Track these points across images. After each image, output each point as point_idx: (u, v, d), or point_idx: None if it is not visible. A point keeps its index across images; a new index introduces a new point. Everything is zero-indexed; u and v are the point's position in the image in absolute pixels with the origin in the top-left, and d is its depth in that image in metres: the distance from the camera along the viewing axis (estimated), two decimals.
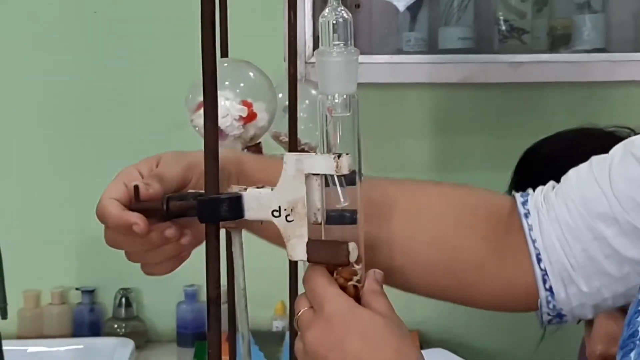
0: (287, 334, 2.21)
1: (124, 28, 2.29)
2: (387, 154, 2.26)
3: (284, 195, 0.85)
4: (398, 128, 2.28)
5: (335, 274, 0.86)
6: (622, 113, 2.25)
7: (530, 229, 0.98)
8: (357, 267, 0.86)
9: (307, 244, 0.85)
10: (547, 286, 0.98)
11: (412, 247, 1.00)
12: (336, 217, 0.86)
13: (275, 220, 0.85)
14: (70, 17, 2.28)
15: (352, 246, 0.84)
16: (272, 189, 0.86)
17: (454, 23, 2.20)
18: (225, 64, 1.21)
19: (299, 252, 0.85)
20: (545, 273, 0.98)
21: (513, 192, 1.01)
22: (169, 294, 2.31)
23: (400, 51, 2.24)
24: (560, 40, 2.24)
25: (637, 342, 0.89)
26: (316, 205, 0.85)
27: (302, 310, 0.88)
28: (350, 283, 0.86)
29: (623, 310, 0.97)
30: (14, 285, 2.00)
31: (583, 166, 1.00)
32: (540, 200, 0.99)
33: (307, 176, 0.84)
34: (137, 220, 0.91)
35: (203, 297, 2.28)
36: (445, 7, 2.22)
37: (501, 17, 2.22)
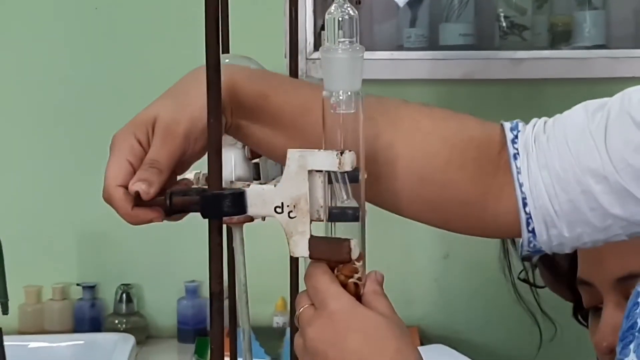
0: (288, 329, 2.21)
1: (125, 23, 2.29)
2: None
3: (286, 191, 0.85)
4: None
5: (336, 271, 0.86)
6: None
7: (519, 172, 0.96)
8: (358, 264, 0.86)
9: (309, 240, 0.85)
10: (530, 228, 0.98)
11: (401, 175, 0.98)
12: (339, 214, 0.86)
13: (277, 216, 0.85)
14: (71, 13, 2.28)
15: (354, 243, 0.84)
16: (275, 185, 0.86)
17: (454, 19, 2.21)
18: (227, 60, 1.21)
19: (301, 249, 0.85)
20: (529, 216, 0.97)
21: (502, 123, 0.99)
22: (169, 289, 2.31)
23: (401, 47, 2.24)
24: (560, 37, 2.25)
25: (637, 334, 0.89)
26: (319, 202, 0.85)
27: (303, 307, 0.88)
28: (351, 280, 0.86)
29: None
30: (15, 281, 2.01)
31: (578, 111, 0.99)
32: (531, 142, 0.97)
33: (310, 173, 0.85)
34: (152, 216, 0.91)
35: (204, 292, 2.28)
36: (446, 4, 2.22)
37: (502, 14, 2.22)
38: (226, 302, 1.17)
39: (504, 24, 2.22)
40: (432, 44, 2.23)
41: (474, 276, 2.29)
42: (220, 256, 0.87)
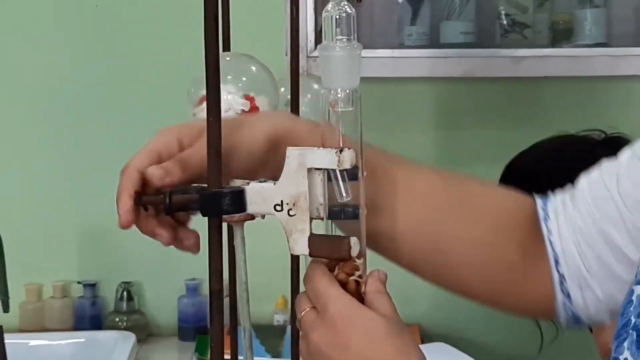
0: (289, 327, 2.22)
1: (126, 22, 2.29)
2: (388, 148, 2.26)
3: (286, 189, 0.85)
4: (399, 122, 2.28)
5: (337, 269, 0.86)
6: (623, 108, 2.26)
7: (550, 234, 0.99)
8: (358, 261, 0.86)
9: (309, 238, 0.85)
10: (564, 289, 1.00)
11: (452, 246, 1.01)
12: (338, 212, 0.86)
13: (277, 214, 0.85)
14: (71, 11, 2.28)
15: (353, 241, 0.84)
16: (274, 183, 0.86)
17: (455, 17, 2.21)
18: (228, 58, 1.21)
19: (301, 247, 0.85)
20: (562, 277, 0.99)
21: (534, 195, 1.02)
22: (170, 287, 2.32)
23: (402, 45, 2.24)
24: (561, 35, 2.25)
25: (630, 331, 0.90)
26: (319, 200, 0.85)
27: (304, 311, 0.89)
28: (352, 278, 0.86)
29: None
30: (16, 279, 2.01)
31: (594, 171, 1.01)
32: (560, 205, 1.00)
33: (310, 170, 0.85)
34: (161, 232, 0.91)
35: (204, 291, 2.28)
36: (447, 1, 2.22)
37: (503, 12, 2.22)
38: (227, 300, 1.17)
39: (505, 22, 2.22)
40: (433, 42, 2.23)
41: None
42: (220, 254, 0.86)
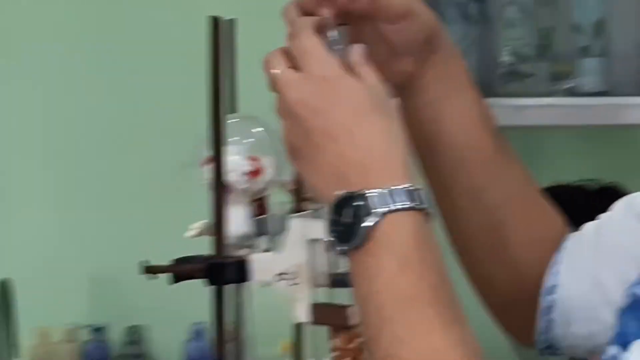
0: None
1: (139, 82, 2.32)
2: None
3: (288, 259, 0.87)
4: None
5: (338, 335, 0.88)
6: (624, 156, 2.27)
7: (556, 262, 0.99)
8: (359, 329, 0.87)
9: (311, 306, 0.87)
10: (548, 318, 0.99)
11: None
12: (340, 281, 0.88)
13: (279, 284, 0.88)
14: (86, 65, 2.32)
15: (353, 310, 0.86)
16: (276, 253, 0.88)
17: None
18: (234, 120, 1.24)
19: (303, 314, 0.87)
20: (552, 304, 0.99)
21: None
22: (177, 330, 2.32)
23: None
24: (562, 84, 2.26)
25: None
26: (320, 269, 0.87)
27: (282, 69, 0.83)
28: (351, 345, 0.88)
29: None
30: (26, 323, 2.04)
31: (592, 223, 1.02)
32: (570, 243, 1.00)
33: (311, 241, 0.87)
34: None
35: (211, 334, 2.29)
36: None
37: (504, 61, 2.24)
38: (233, 345, 1.19)
39: (507, 71, 2.24)
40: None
41: (467, 303, 2.29)
42: (222, 319, 0.89)
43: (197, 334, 2.30)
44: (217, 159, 0.85)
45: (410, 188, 0.79)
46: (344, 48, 0.84)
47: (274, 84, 0.83)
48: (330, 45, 0.84)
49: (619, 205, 1.01)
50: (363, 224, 0.77)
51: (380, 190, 0.78)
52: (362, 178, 0.79)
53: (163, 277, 2.19)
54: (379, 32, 0.89)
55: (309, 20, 0.85)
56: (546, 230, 1.02)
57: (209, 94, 0.85)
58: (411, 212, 0.78)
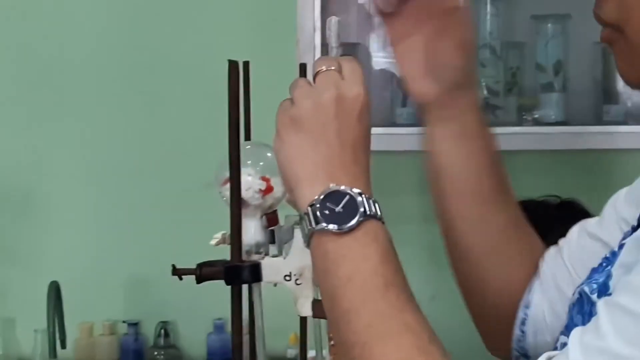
0: None
1: (167, 109, 2.34)
2: (384, 208, 2.28)
3: (294, 262, 0.89)
4: (392, 187, 2.30)
5: None
6: (581, 177, 2.28)
7: (537, 277, 1.01)
8: None
9: (313, 302, 0.89)
10: (523, 330, 1.01)
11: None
12: None
13: (286, 283, 0.89)
14: (120, 94, 2.33)
15: None
16: (285, 257, 0.90)
17: None
18: (248, 146, 1.25)
19: (306, 309, 0.89)
20: (526, 317, 1.00)
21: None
22: (200, 325, 2.33)
23: (394, 124, 2.27)
24: (527, 115, 2.27)
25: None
26: None
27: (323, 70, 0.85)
28: None
29: None
30: (71, 319, 2.05)
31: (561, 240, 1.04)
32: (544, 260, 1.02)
33: None
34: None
35: (230, 328, 2.29)
36: None
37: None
38: (247, 337, 1.21)
39: (480, 104, 2.25)
40: (421, 121, 2.25)
41: (461, 317, 2.30)
42: (240, 315, 0.91)
43: (218, 329, 2.31)
44: (235, 178, 0.87)
45: (379, 204, 0.83)
46: None
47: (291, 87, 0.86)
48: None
49: (574, 229, 1.03)
50: (357, 217, 0.80)
51: (368, 196, 0.82)
52: (347, 179, 0.82)
53: (189, 278, 2.20)
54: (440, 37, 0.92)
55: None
56: (531, 254, 1.04)
57: (228, 124, 0.87)
58: (381, 222, 0.82)
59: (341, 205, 0.80)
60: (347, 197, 0.81)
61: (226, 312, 2.29)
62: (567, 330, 0.87)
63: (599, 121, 2.25)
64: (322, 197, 0.81)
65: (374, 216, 0.81)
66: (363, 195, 0.81)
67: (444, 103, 0.96)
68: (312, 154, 0.82)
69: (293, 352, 2.29)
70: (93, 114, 2.34)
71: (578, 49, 2.26)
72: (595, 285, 0.86)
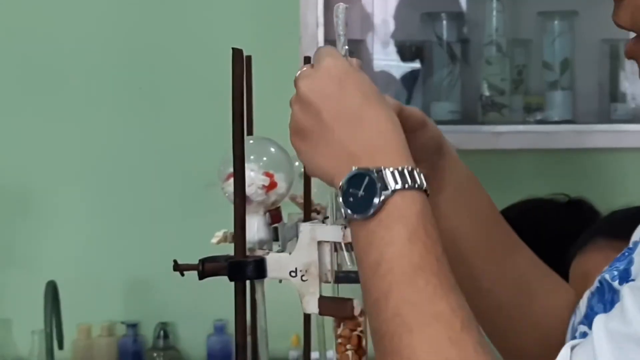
0: None
1: (168, 105, 2.32)
2: None
3: (299, 258, 0.87)
4: None
5: (342, 325, 0.88)
6: (587, 176, 2.27)
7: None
8: (360, 319, 0.87)
9: (319, 300, 0.87)
10: None
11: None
12: (343, 277, 0.88)
13: (292, 279, 0.87)
14: (120, 92, 2.32)
15: (356, 302, 0.86)
16: (290, 253, 0.88)
17: (444, 99, 2.23)
18: (251, 141, 1.23)
19: (312, 307, 0.87)
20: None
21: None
22: (200, 327, 2.32)
23: None
24: (533, 113, 2.26)
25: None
26: (327, 267, 0.87)
27: (302, 69, 0.84)
28: (354, 333, 0.87)
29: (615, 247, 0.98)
30: (69, 320, 2.03)
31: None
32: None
33: (320, 243, 0.87)
34: None
35: (230, 330, 2.29)
36: (436, 85, 2.24)
37: (484, 94, 2.24)
38: (250, 339, 1.18)
39: (486, 103, 2.24)
40: None
41: None
42: (244, 312, 0.88)
43: (219, 330, 2.30)
44: (239, 171, 0.85)
45: (415, 170, 0.78)
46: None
47: (294, 82, 0.83)
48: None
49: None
50: (377, 197, 0.77)
51: (391, 169, 0.77)
52: (372, 156, 0.78)
53: (189, 280, 2.19)
54: None
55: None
56: (560, 283, 1.00)
57: (232, 114, 0.85)
58: (416, 192, 0.78)
59: (362, 188, 0.77)
60: (367, 178, 0.77)
61: (226, 314, 2.31)
62: (586, 319, 0.85)
63: (606, 120, 2.24)
64: (344, 184, 0.78)
65: (403, 188, 0.77)
66: (385, 170, 0.77)
67: (434, 173, 0.95)
68: (330, 144, 0.80)
69: (295, 354, 2.28)
70: (92, 114, 2.32)
71: (585, 47, 2.25)
72: (616, 272, 0.84)
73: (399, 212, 0.76)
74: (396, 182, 0.77)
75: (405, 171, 0.77)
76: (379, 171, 0.77)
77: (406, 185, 0.77)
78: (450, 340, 0.72)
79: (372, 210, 0.77)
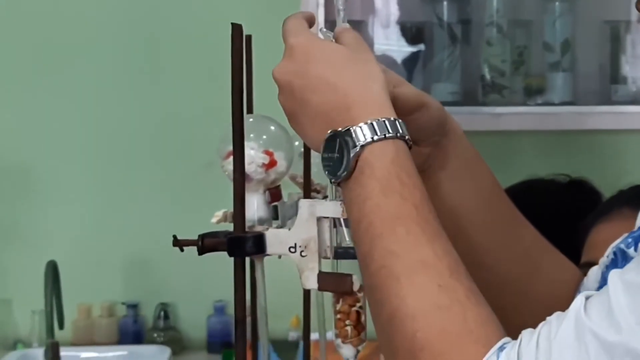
0: (301, 342, 2.23)
1: (168, 84, 2.32)
2: None
3: (299, 234, 0.87)
4: None
5: (341, 301, 0.88)
6: (587, 157, 2.27)
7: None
8: (359, 295, 0.88)
9: (318, 275, 0.87)
10: None
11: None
12: (343, 253, 0.88)
13: (291, 255, 0.88)
14: (120, 70, 2.32)
15: (355, 277, 0.86)
16: (289, 229, 0.88)
17: (444, 80, 2.23)
18: (251, 119, 1.23)
19: (311, 282, 0.87)
20: None
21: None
22: (200, 307, 2.32)
23: None
24: (534, 94, 2.26)
25: None
26: (326, 243, 0.87)
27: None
28: (354, 309, 0.88)
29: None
30: (69, 300, 2.03)
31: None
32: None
33: (319, 219, 0.87)
34: None
35: (229, 311, 2.29)
36: (437, 66, 2.24)
37: (484, 75, 2.24)
38: (249, 320, 1.19)
39: (486, 84, 2.24)
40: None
41: None
42: (244, 288, 0.89)
43: (219, 311, 2.30)
44: (238, 147, 0.86)
45: (388, 120, 0.78)
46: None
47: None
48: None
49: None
50: (346, 156, 0.77)
51: (361, 124, 0.78)
52: (345, 116, 0.79)
53: (190, 261, 2.18)
54: None
55: (296, 14, 0.86)
56: (563, 272, 0.99)
57: (232, 90, 0.85)
58: (390, 141, 0.78)
59: (336, 150, 0.78)
60: (337, 139, 0.78)
61: (226, 294, 2.31)
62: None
63: (607, 101, 2.24)
64: (322, 150, 0.79)
65: (372, 141, 0.77)
66: (353, 127, 0.77)
67: (437, 151, 0.94)
68: (310, 116, 0.81)
69: (295, 335, 2.28)
70: (92, 92, 2.31)
71: (586, 28, 2.24)
72: (630, 239, 0.84)
73: (370, 167, 0.77)
74: (365, 137, 0.77)
75: (374, 123, 0.77)
76: (347, 130, 0.78)
77: (374, 137, 0.77)
78: (439, 287, 0.72)
79: (343, 170, 0.77)
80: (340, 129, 0.78)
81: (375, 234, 0.75)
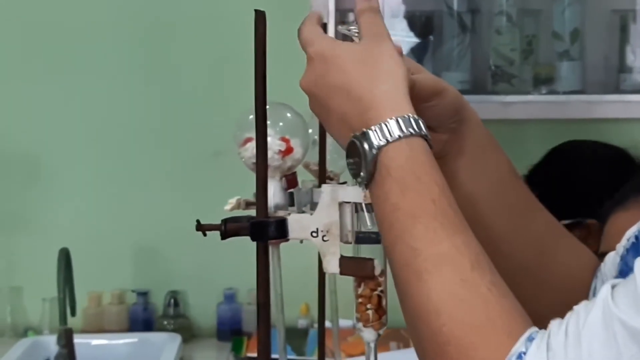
0: (311, 330, 2.24)
1: (177, 72, 2.32)
2: None
3: (320, 219, 0.88)
4: None
5: (362, 285, 0.89)
6: None
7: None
8: (380, 279, 0.88)
9: (340, 260, 0.88)
10: None
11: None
12: (364, 238, 0.89)
13: (313, 240, 0.88)
14: (130, 58, 2.32)
15: (376, 262, 0.87)
16: (311, 214, 0.89)
17: (454, 69, 2.23)
18: (267, 107, 1.24)
19: (333, 266, 0.88)
20: None
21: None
22: (210, 295, 2.33)
23: None
24: (543, 83, 2.27)
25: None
26: (348, 228, 0.88)
27: None
28: (375, 293, 0.88)
29: None
30: (80, 288, 2.03)
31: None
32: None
33: (340, 204, 0.87)
34: None
35: (239, 298, 2.30)
36: (447, 55, 2.24)
37: (493, 64, 2.24)
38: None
39: (496, 73, 2.24)
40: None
41: None
42: (267, 272, 0.89)
43: (229, 298, 2.31)
44: (261, 132, 0.87)
45: (402, 117, 0.79)
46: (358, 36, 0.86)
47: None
48: (344, 37, 0.86)
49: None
50: (364, 159, 0.79)
51: (373, 127, 0.79)
52: (361, 120, 0.80)
53: (200, 249, 2.18)
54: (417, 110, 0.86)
55: (308, 19, 0.87)
56: (579, 257, 0.99)
57: (255, 76, 0.86)
58: (404, 140, 0.79)
59: (356, 154, 0.79)
60: (356, 143, 0.79)
61: (236, 282, 2.32)
62: (620, 275, 0.85)
63: (616, 90, 2.24)
64: (346, 155, 0.81)
65: (387, 142, 0.78)
66: (367, 130, 0.79)
67: (454, 137, 0.94)
68: (334, 121, 0.83)
69: (304, 322, 2.29)
70: (102, 81, 2.32)
71: (595, 17, 2.25)
72: None
73: (385, 168, 0.78)
74: (379, 140, 0.78)
75: (386, 124, 0.78)
76: (362, 134, 0.79)
77: (389, 139, 0.78)
78: (462, 281, 0.73)
79: (364, 174, 0.79)
80: (357, 133, 0.80)
81: (397, 234, 0.77)
